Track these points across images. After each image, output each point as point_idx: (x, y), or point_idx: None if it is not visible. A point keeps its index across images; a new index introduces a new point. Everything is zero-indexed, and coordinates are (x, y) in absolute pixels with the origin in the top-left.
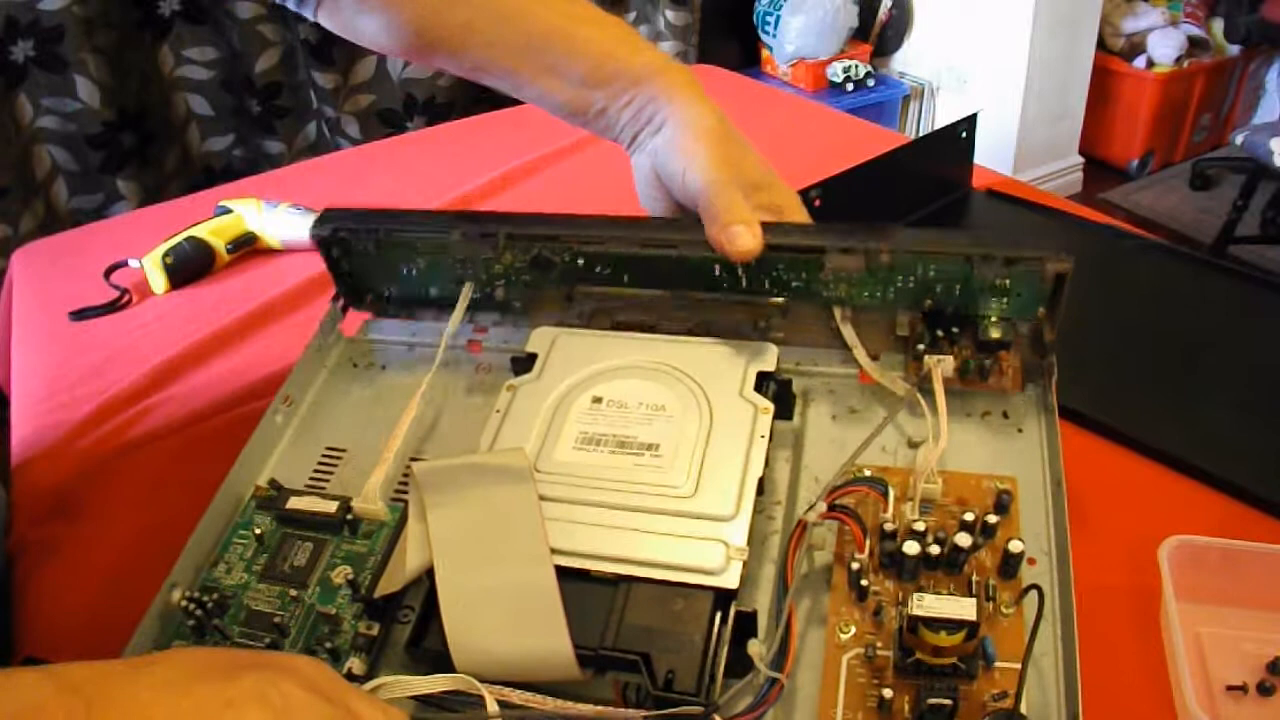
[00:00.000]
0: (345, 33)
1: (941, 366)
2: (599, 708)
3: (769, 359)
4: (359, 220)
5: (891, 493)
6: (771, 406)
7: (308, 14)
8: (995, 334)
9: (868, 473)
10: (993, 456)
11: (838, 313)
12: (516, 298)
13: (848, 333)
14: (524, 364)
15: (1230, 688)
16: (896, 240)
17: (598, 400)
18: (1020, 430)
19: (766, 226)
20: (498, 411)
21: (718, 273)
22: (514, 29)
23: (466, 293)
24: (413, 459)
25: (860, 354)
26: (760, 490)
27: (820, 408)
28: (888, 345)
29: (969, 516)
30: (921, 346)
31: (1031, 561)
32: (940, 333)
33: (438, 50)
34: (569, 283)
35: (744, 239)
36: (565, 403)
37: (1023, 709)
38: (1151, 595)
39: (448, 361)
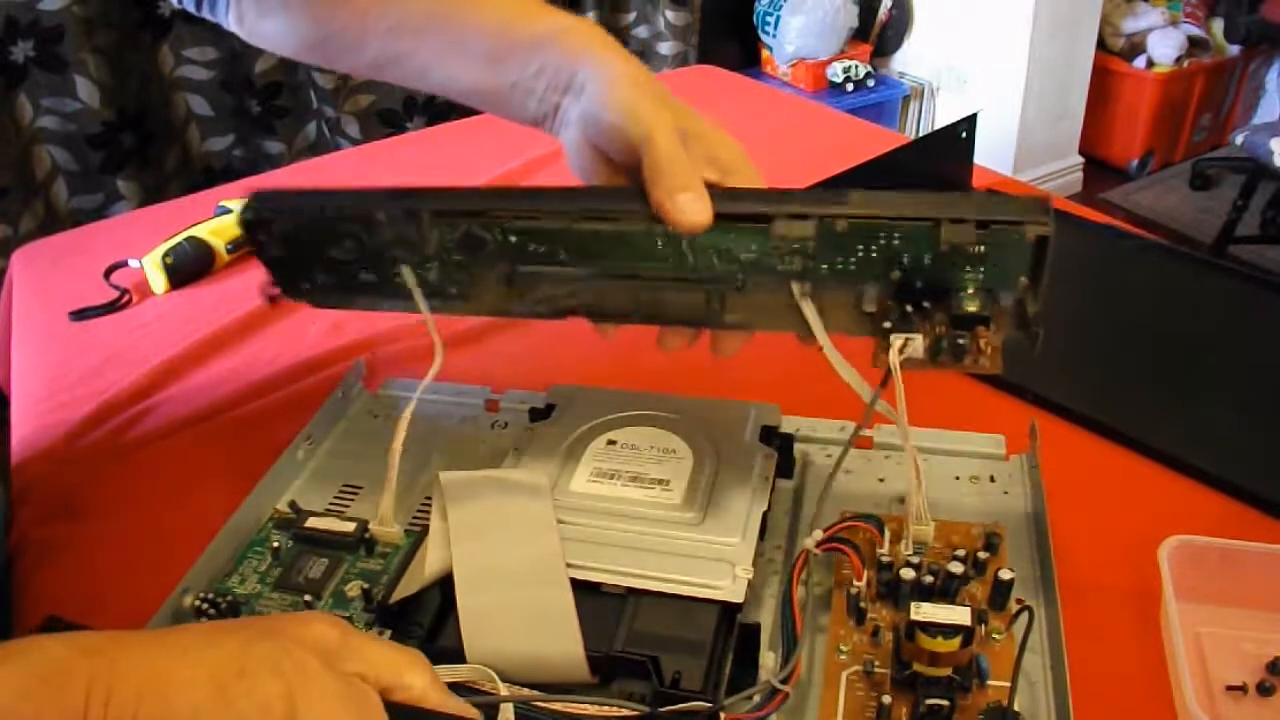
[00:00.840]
0: (253, 38)
1: (911, 347)
2: (608, 698)
3: (774, 416)
4: (284, 199)
5: (887, 533)
6: (775, 453)
7: (222, 21)
8: (972, 307)
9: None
10: (979, 515)
11: (796, 288)
12: (452, 283)
13: (808, 310)
14: (542, 414)
15: (1230, 688)
16: (854, 204)
17: (612, 442)
18: (1006, 493)
19: (712, 191)
20: (516, 449)
21: (660, 245)
22: (411, 8)
23: (410, 276)
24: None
25: (823, 338)
26: (762, 534)
27: (817, 470)
28: (854, 323)
29: (960, 553)
30: (888, 325)
31: (1019, 601)
32: (910, 308)
33: (337, 44)
34: (505, 262)
35: (693, 210)
36: (581, 443)
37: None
38: (1151, 595)
39: (464, 420)
